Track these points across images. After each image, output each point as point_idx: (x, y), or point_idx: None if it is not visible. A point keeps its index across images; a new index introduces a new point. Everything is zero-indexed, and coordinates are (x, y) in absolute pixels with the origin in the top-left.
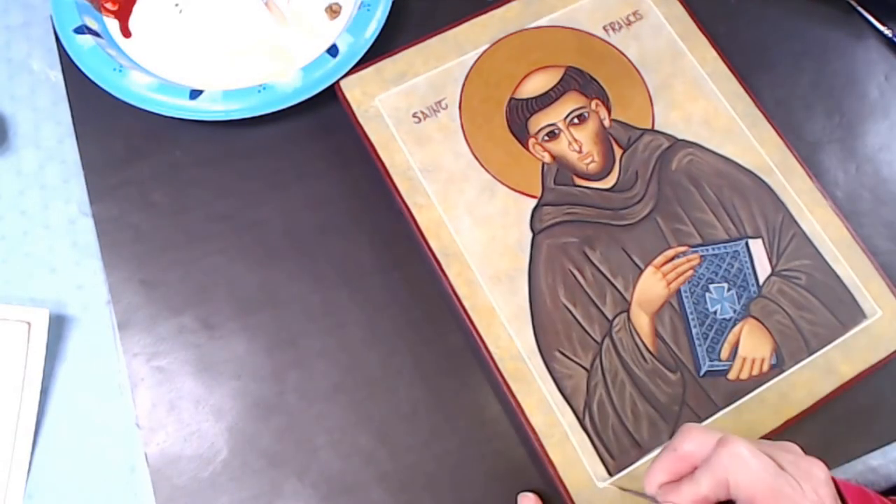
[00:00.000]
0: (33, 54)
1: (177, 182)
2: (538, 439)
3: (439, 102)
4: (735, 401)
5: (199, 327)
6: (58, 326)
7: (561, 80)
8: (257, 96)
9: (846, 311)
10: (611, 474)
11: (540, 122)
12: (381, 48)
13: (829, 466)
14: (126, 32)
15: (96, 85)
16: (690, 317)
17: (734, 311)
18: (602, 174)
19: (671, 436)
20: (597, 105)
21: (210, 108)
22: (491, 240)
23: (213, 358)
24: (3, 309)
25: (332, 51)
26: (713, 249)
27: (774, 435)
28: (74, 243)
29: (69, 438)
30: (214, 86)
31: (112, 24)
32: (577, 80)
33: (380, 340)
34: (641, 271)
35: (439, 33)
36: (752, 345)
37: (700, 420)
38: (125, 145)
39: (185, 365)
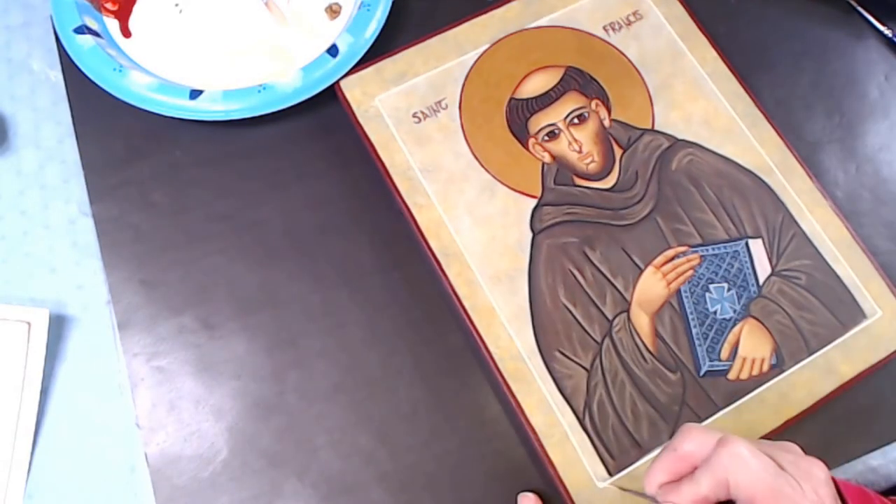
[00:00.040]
0: (33, 54)
1: (177, 182)
2: (538, 439)
3: (439, 102)
4: (735, 401)
5: (199, 327)
6: (58, 326)
7: (561, 80)
8: (257, 96)
9: (846, 311)
10: (611, 474)
11: (540, 122)
12: (381, 48)
13: (829, 466)
14: (126, 32)
15: (96, 85)
16: (690, 317)
17: (734, 311)
18: (602, 174)
19: (671, 436)
20: (597, 105)
21: (210, 108)
22: (491, 240)
23: (213, 358)
24: (3, 309)
25: (332, 51)
26: (713, 249)
27: (774, 435)
28: (74, 243)
29: (69, 438)
30: (214, 86)
31: (112, 24)
32: (577, 80)
33: (380, 340)
34: (641, 271)
35: (439, 33)
36: (752, 345)
37: (700, 420)
38: (125, 145)
39: (185, 365)
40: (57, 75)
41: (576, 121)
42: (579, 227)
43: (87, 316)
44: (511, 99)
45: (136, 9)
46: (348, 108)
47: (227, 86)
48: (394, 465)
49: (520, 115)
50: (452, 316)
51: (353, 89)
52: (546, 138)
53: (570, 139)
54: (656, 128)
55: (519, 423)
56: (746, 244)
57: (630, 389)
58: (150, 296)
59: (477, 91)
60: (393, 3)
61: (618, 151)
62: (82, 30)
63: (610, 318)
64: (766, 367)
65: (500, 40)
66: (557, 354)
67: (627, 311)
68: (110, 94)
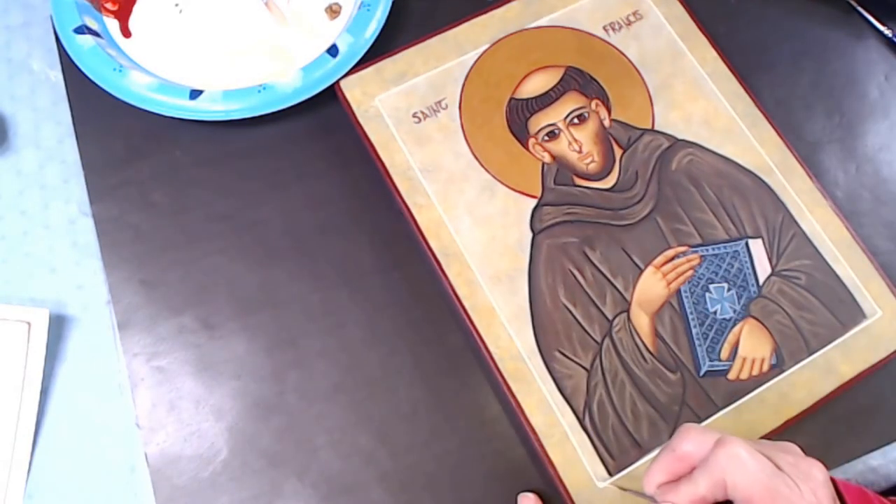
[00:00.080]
0: (33, 54)
1: (177, 182)
2: (538, 439)
3: (439, 102)
4: (735, 401)
5: (199, 327)
6: (58, 326)
7: (561, 80)
8: (257, 96)
9: (846, 311)
10: (611, 474)
11: (540, 122)
12: (381, 48)
13: (829, 466)
14: (126, 32)
15: (96, 85)
16: (690, 317)
17: (734, 311)
18: (602, 174)
19: (671, 436)
20: (597, 105)
21: (210, 108)
22: (491, 240)
23: (213, 358)
24: (3, 309)
25: (332, 51)
26: (713, 249)
27: (774, 435)
28: (74, 243)
29: (69, 438)
30: (214, 86)
31: (112, 24)
32: (577, 80)
33: (380, 340)
34: (641, 271)
35: (439, 33)
36: (752, 345)
37: (700, 420)
38: (125, 145)
39: (185, 365)
40: (57, 75)
41: (576, 121)
42: (579, 227)
43: (87, 316)
44: (511, 99)
45: (136, 9)
46: (348, 108)
47: (227, 86)
48: (394, 465)
49: (520, 115)
50: (452, 316)
51: (353, 89)
52: (546, 138)
53: (570, 139)
54: (656, 128)
55: (519, 423)
56: (746, 244)
57: (630, 389)
58: (150, 296)
59: (477, 91)
60: (393, 3)
61: (618, 151)
62: (82, 30)
63: (610, 318)
64: (766, 367)
65: (500, 40)
66: (557, 354)
67: (627, 311)
68: (110, 94)
